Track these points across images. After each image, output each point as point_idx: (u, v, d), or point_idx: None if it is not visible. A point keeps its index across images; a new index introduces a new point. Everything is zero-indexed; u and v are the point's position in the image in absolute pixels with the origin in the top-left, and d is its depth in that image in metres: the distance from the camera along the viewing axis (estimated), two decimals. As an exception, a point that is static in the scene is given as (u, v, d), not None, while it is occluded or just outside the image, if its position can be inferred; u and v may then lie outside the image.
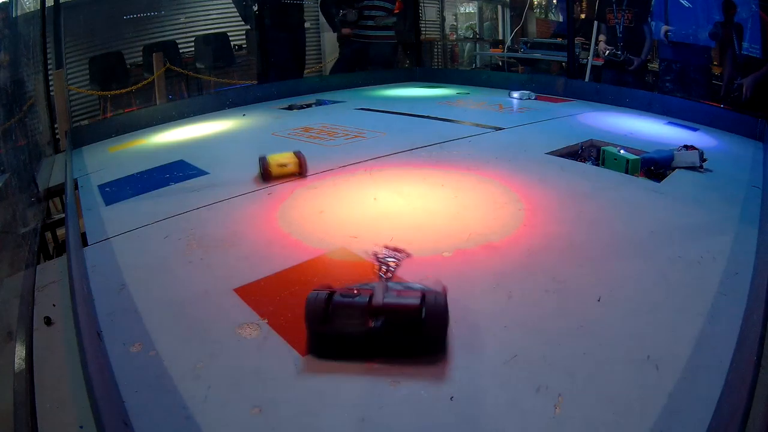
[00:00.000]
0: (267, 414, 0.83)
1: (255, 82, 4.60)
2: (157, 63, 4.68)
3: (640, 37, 3.82)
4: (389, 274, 1.06)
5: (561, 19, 6.39)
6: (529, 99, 3.58)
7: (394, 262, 1.07)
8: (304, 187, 1.92)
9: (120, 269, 1.36)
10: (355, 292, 0.96)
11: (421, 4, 6.34)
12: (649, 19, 3.81)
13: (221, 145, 2.82)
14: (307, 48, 6.08)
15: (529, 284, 1.20)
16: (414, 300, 0.93)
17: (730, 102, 3.25)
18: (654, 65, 4.35)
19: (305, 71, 5.20)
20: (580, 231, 1.50)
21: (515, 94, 3.65)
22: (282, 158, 2.01)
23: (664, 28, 3.66)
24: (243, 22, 5.15)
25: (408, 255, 1.12)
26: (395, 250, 1.12)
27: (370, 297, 0.94)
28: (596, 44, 4.15)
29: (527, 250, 1.37)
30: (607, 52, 3.90)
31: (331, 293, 0.96)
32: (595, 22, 4.13)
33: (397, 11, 5.01)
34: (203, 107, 3.78)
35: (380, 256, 1.10)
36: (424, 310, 0.92)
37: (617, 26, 3.85)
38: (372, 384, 0.89)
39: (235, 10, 5.27)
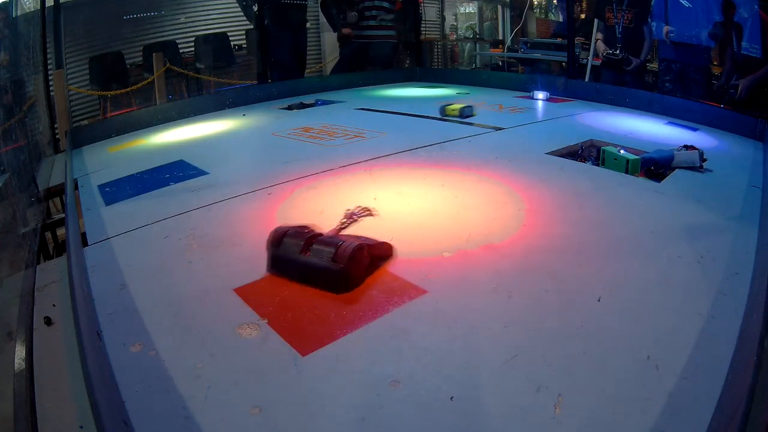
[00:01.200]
0: (267, 414, 0.83)
1: (255, 82, 4.60)
2: (157, 63, 4.68)
3: (639, 37, 3.82)
4: (345, 223, 1.30)
5: (561, 19, 6.39)
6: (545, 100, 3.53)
7: (358, 216, 1.34)
8: (304, 187, 1.92)
9: (120, 269, 1.36)
10: (306, 230, 1.23)
11: (422, 5, 6.35)
12: (649, 20, 3.80)
13: (221, 145, 2.82)
14: (307, 48, 6.07)
15: (529, 284, 1.20)
16: (333, 245, 1.18)
17: (726, 99, 3.25)
18: (654, 65, 4.34)
19: (306, 71, 5.20)
20: (580, 231, 1.50)
21: (540, 95, 3.58)
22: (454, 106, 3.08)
23: (666, 28, 3.65)
24: (246, 21, 5.13)
25: (371, 213, 1.43)
26: (366, 209, 1.43)
27: (312, 236, 1.21)
28: (595, 42, 4.14)
29: (527, 250, 1.37)
30: (606, 52, 3.89)
31: (289, 229, 1.24)
32: (595, 20, 4.12)
33: (398, 8, 5.02)
34: (203, 107, 3.78)
35: (351, 211, 1.41)
36: (337, 250, 1.16)
37: (616, 26, 3.85)
38: (372, 384, 0.89)
39: (237, 9, 5.26)
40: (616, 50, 3.82)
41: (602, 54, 3.94)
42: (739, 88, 3.18)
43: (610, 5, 3.88)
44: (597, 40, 4.04)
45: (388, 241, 1.34)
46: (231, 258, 1.40)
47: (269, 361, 0.97)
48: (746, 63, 3.22)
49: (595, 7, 4.18)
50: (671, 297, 1.14)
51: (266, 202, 1.80)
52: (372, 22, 4.81)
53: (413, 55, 5.39)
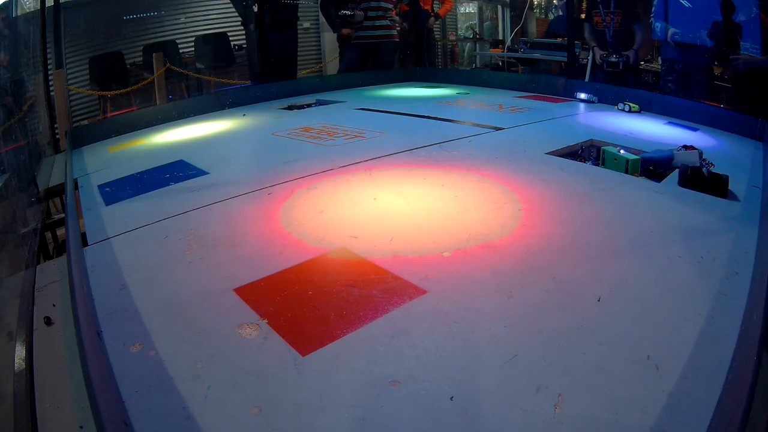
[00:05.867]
0: (267, 414, 0.83)
1: (249, 82, 4.59)
2: (157, 63, 4.68)
3: (630, 38, 3.79)
4: None
5: (559, 14, 6.37)
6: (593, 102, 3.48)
7: None
8: (305, 187, 1.92)
9: (120, 269, 1.36)
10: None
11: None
12: (652, 19, 3.78)
13: (221, 145, 2.82)
14: (304, 48, 6.04)
15: (529, 284, 1.20)
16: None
17: (737, 101, 3.25)
18: (655, 65, 4.33)
19: (304, 72, 5.18)
20: (580, 231, 1.50)
21: (582, 95, 3.54)
22: None
23: (670, 30, 3.63)
24: (241, 23, 5.08)
25: None
26: None
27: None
28: (585, 46, 4.10)
29: (527, 250, 1.37)
30: (603, 58, 3.84)
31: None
32: (585, 24, 4.06)
33: (403, 10, 5.03)
34: (203, 107, 3.78)
35: None
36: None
37: (606, 30, 3.81)
38: (372, 384, 0.89)
39: (234, 10, 5.23)
40: (611, 56, 3.78)
41: (599, 60, 3.90)
42: (739, 60, 3.17)
43: (596, 9, 3.84)
44: (593, 46, 3.99)
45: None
46: (231, 258, 1.40)
47: (269, 361, 0.97)
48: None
49: (585, 11, 4.13)
50: (671, 297, 1.14)
51: (266, 202, 1.80)
52: (379, 22, 4.81)
53: (418, 55, 5.35)
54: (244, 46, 5.96)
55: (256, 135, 3.01)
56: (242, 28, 4.84)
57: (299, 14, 5.00)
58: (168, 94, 4.83)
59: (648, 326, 1.03)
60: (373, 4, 4.76)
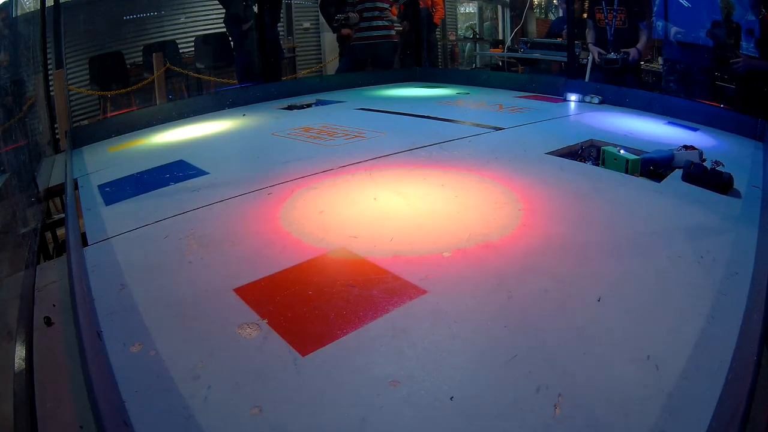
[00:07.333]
0: (267, 414, 0.83)
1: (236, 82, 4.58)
2: (157, 63, 4.68)
3: (635, 37, 3.76)
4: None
5: (561, 17, 6.38)
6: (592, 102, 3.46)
7: None
8: (305, 187, 1.92)
9: (120, 269, 1.36)
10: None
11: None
12: (654, 19, 3.76)
13: (221, 145, 2.82)
14: (304, 48, 6.02)
15: (529, 284, 1.20)
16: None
17: (738, 101, 3.24)
18: (655, 65, 4.31)
19: (304, 72, 5.17)
20: (580, 231, 1.50)
21: (573, 96, 3.53)
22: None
23: (673, 29, 3.61)
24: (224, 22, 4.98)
25: None
26: None
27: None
28: (585, 46, 4.07)
29: (527, 250, 1.37)
30: (601, 56, 3.79)
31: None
32: (588, 21, 4.03)
33: (400, 9, 5.02)
34: (203, 107, 3.78)
35: None
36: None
37: (608, 28, 3.78)
38: (372, 384, 0.89)
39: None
40: (610, 53, 3.75)
41: (597, 57, 3.87)
42: (741, 61, 3.18)
43: (599, 5, 3.80)
44: (589, 43, 3.96)
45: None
46: (231, 258, 1.40)
47: (269, 361, 0.97)
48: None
49: (587, 8, 4.10)
50: (671, 297, 1.14)
51: (266, 202, 1.80)
52: (377, 23, 4.80)
53: (419, 54, 5.32)
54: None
55: (256, 135, 3.01)
56: (236, 27, 4.80)
57: (302, 15, 4.99)
58: (168, 94, 4.83)
59: (648, 326, 1.03)
60: (368, 5, 4.76)
